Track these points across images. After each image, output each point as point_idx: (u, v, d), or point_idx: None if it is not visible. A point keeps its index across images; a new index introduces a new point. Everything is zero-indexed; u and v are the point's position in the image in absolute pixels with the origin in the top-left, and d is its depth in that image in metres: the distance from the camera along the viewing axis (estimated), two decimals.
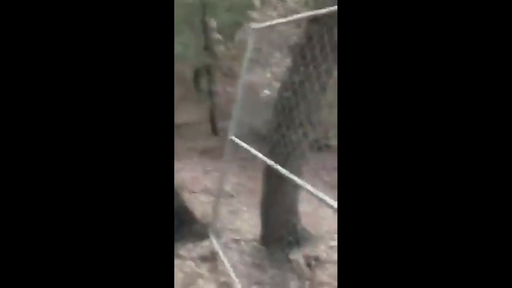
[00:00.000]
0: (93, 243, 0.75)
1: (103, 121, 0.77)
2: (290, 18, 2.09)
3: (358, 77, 0.78)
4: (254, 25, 2.23)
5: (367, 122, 0.76)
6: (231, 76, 7.44)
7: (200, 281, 2.24)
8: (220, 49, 5.69)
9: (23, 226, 0.72)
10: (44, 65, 0.74)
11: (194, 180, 4.27)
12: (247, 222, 3.24)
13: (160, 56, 0.82)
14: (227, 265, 2.33)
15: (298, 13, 2.77)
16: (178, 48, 5.65)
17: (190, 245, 2.62)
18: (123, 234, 0.77)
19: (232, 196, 3.81)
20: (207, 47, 6.03)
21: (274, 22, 2.33)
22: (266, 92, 2.80)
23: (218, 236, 2.71)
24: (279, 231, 2.17)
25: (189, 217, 2.77)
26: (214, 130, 6.57)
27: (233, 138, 2.44)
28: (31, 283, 0.72)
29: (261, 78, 2.80)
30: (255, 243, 2.72)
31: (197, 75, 7.67)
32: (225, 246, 2.64)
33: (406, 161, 0.73)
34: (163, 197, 0.81)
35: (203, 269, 2.39)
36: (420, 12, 0.72)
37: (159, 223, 0.80)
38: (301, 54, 1.93)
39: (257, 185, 4.44)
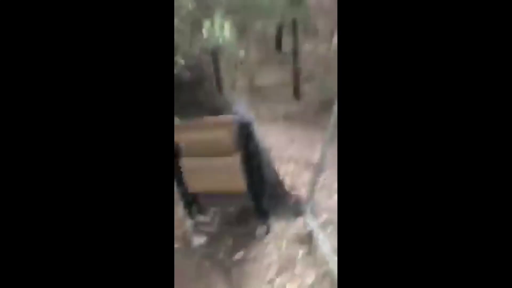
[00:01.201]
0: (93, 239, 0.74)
1: (100, 117, 0.75)
2: None
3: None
4: None
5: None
6: (318, 33, 6.75)
7: (298, 268, 1.97)
8: (311, 2, 5.05)
9: (21, 218, 0.71)
10: (43, 62, 0.72)
11: (280, 148, 3.98)
12: None
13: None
14: (327, 251, 2.01)
15: None
16: (263, 1, 5.18)
17: (283, 223, 2.36)
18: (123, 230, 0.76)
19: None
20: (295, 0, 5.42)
21: None
22: None
23: (314, 215, 2.39)
24: None
25: (283, 191, 2.49)
26: (297, 94, 6.13)
27: None
28: (28, 279, 0.71)
29: None
30: None
31: (280, 33, 7.14)
32: (322, 228, 2.32)
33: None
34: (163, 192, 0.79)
35: (300, 252, 2.11)
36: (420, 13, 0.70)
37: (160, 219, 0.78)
38: None
39: None
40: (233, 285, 1.91)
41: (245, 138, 1.97)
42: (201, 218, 2.34)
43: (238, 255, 2.11)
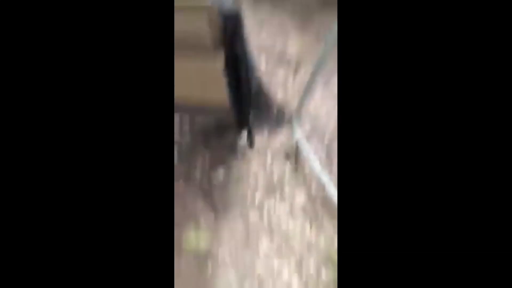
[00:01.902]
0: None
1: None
2: None
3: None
4: None
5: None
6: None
7: (286, 189, 1.80)
8: None
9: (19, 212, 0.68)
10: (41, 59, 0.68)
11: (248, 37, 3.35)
12: (320, 102, 2.58)
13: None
14: (317, 169, 1.85)
15: None
16: None
17: (265, 135, 2.07)
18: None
19: (298, 63, 2.98)
20: None
21: None
22: None
23: (300, 125, 2.13)
24: None
25: (266, 98, 2.12)
26: None
27: None
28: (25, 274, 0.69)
29: None
30: None
31: None
32: (306, 139, 2.11)
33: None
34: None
35: (286, 169, 1.92)
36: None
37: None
38: None
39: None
40: (216, 208, 1.71)
41: (231, 35, 1.43)
42: None
43: (218, 174, 1.85)
